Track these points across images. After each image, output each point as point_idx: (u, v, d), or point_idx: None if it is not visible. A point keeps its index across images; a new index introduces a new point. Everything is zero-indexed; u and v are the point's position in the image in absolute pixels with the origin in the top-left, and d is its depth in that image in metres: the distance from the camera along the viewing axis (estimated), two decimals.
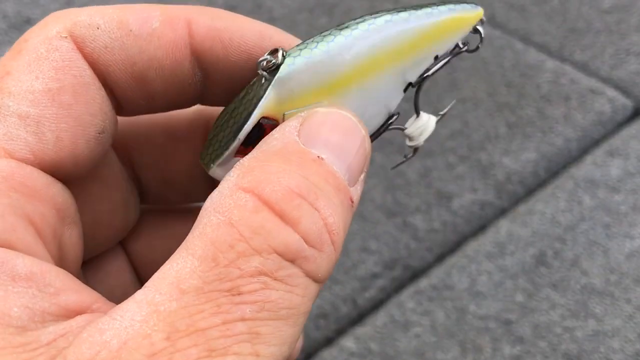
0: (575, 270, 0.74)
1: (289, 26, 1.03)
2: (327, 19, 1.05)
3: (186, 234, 0.33)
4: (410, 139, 0.31)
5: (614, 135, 0.89)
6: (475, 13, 0.30)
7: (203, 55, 0.28)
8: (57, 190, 0.26)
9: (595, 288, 0.73)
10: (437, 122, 0.31)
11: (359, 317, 0.73)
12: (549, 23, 1.05)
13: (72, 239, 0.27)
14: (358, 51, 0.27)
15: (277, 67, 0.26)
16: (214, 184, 0.34)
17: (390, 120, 0.29)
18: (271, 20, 1.04)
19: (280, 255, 0.23)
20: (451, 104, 0.33)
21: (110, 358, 0.21)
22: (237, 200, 0.23)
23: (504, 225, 0.78)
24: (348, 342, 0.70)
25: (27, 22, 1.04)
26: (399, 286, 0.75)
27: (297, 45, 0.27)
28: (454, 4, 0.29)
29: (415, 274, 0.76)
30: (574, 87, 0.94)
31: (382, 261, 0.76)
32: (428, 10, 0.28)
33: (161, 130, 0.33)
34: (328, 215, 0.24)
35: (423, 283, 0.74)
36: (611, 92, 0.93)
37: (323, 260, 0.24)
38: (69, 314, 0.23)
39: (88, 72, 0.27)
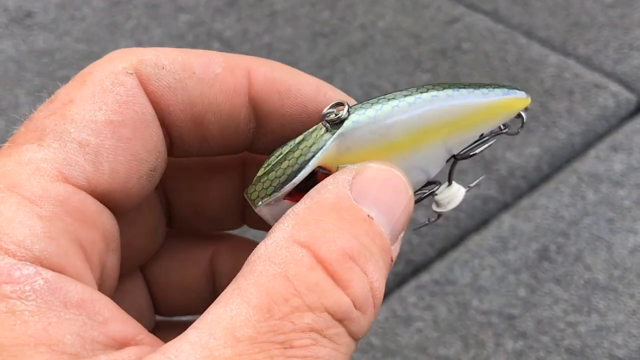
0: (578, 265, 0.74)
1: (291, 19, 1.03)
2: (329, 13, 1.04)
3: (204, 260, 0.34)
4: (438, 204, 0.32)
5: (617, 130, 0.88)
6: (524, 100, 0.31)
7: (260, 103, 0.29)
8: (106, 218, 0.26)
9: (598, 283, 0.72)
10: (466, 192, 0.33)
11: None
12: (553, 17, 1.04)
13: (112, 265, 0.28)
14: (416, 120, 0.28)
15: (341, 121, 0.27)
16: (244, 215, 0.34)
17: (430, 187, 0.31)
18: (273, 13, 1.04)
19: (331, 314, 0.24)
20: (481, 178, 0.36)
21: None
22: (294, 254, 0.24)
23: (506, 220, 0.78)
24: None
25: (28, 16, 1.03)
26: (400, 281, 0.74)
27: (361, 104, 0.28)
28: (507, 88, 0.31)
29: (417, 269, 0.75)
30: (577, 81, 0.93)
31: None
32: (485, 90, 0.30)
33: (198, 159, 0.33)
34: (375, 280, 0.25)
35: (425, 278, 0.73)
36: (615, 87, 0.92)
37: (365, 322, 0.25)
38: (116, 344, 0.24)
39: (149, 110, 0.27)
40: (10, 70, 0.95)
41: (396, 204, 0.27)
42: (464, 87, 0.29)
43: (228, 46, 0.99)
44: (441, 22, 1.03)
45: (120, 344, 0.24)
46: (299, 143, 0.28)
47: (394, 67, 0.96)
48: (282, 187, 0.28)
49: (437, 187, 0.31)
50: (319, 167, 0.28)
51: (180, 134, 0.29)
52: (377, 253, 0.25)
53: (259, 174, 0.29)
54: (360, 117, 0.28)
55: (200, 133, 0.29)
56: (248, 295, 0.23)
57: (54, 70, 0.95)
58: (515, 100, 0.31)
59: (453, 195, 0.32)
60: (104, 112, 0.26)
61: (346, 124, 0.27)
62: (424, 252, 0.76)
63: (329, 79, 0.94)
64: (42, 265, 0.23)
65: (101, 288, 0.27)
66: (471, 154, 0.31)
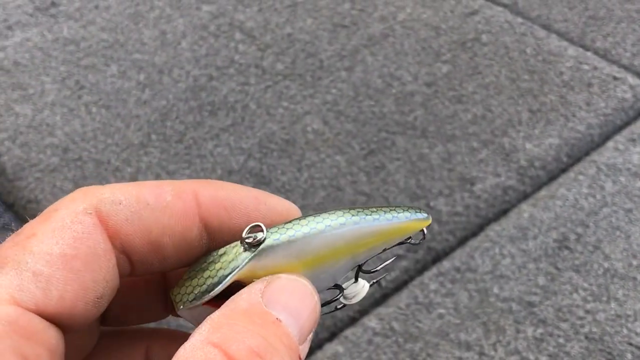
0: (597, 254, 0.75)
1: (312, 10, 1.04)
2: (349, 4, 1.05)
3: (139, 357, 0.37)
4: (345, 297, 0.36)
5: (635, 122, 0.89)
6: (424, 222, 0.35)
7: (209, 221, 0.33)
8: (52, 335, 0.30)
9: (617, 272, 0.73)
10: (370, 286, 0.36)
11: (383, 297, 0.74)
12: (571, 10, 1.05)
13: None
14: (325, 243, 0.32)
15: (259, 244, 0.32)
16: (169, 306, 0.38)
17: (338, 295, 0.35)
18: (294, 4, 1.05)
19: None
20: (385, 275, 0.40)
21: None
22: (207, 354, 0.27)
23: (526, 210, 0.79)
24: (372, 322, 0.71)
25: (53, 5, 1.05)
26: (422, 268, 0.76)
27: (277, 227, 0.32)
28: (413, 211, 0.35)
29: (438, 257, 0.76)
30: (595, 73, 0.94)
31: (405, 244, 0.76)
32: (390, 216, 0.34)
33: None
34: None
35: (446, 265, 0.74)
36: (633, 79, 0.93)
37: None
38: None
39: (102, 246, 0.31)
40: (37, 58, 0.97)
41: (303, 308, 0.30)
42: (372, 214, 0.33)
43: (250, 36, 1.00)
44: (461, 14, 1.04)
45: None
46: (220, 255, 0.32)
47: (414, 59, 0.97)
48: (202, 297, 0.32)
49: (341, 293, 0.35)
50: (236, 281, 0.32)
51: (140, 258, 0.32)
52: (283, 351, 0.28)
53: (184, 277, 0.33)
54: (275, 241, 0.32)
55: (159, 254, 0.32)
56: None
57: (79, 59, 0.97)
58: (416, 223, 0.35)
59: (358, 290, 0.36)
60: (59, 246, 0.30)
61: (262, 246, 0.31)
62: (445, 240, 0.77)
63: (349, 70, 0.95)
64: None
65: None
66: (374, 270, 0.35)
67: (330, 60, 0.97)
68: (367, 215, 0.34)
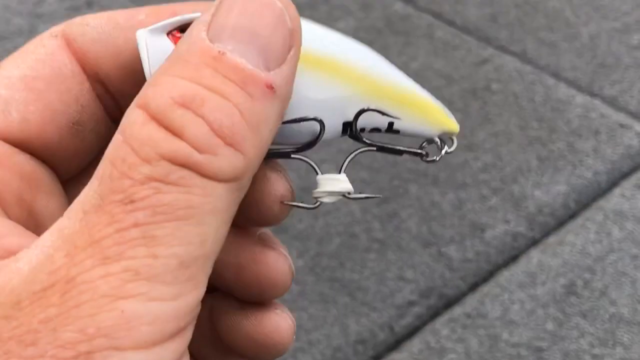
0: (604, 300, 0.77)
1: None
2: None
3: None
4: (318, 186, 0.29)
5: None
6: (451, 122, 0.29)
7: None
8: (22, 160, 0.28)
9: (623, 317, 0.76)
10: (349, 197, 0.29)
11: (396, 343, 0.76)
12: (579, 59, 1.08)
13: (51, 208, 0.29)
14: (331, 44, 0.27)
15: None
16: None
17: (313, 119, 0.27)
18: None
19: (169, 161, 0.23)
20: (376, 195, 0.31)
21: (21, 282, 0.23)
22: (130, 118, 0.24)
23: (535, 256, 0.82)
24: None
25: (89, 6, 1.09)
26: (434, 314, 0.78)
27: None
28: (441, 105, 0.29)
29: (450, 303, 0.79)
30: (603, 121, 0.97)
31: (418, 290, 0.79)
32: (413, 83, 0.28)
33: None
34: (214, 119, 0.23)
35: (457, 311, 0.77)
36: (639, 127, 0.96)
37: (222, 162, 0.23)
38: (8, 255, 0.25)
39: (69, 66, 0.28)
40: None
41: (261, 21, 0.24)
42: (402, 73, 0.28)
43: None
44: (471, 63, 1.07)
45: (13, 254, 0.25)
46: None
47: None
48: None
49: (317, 123, 0.27)
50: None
51: (115, 85, 0.29)
52: (226, 89, 0.24)
53: None
54: None
55: (135, 80, 0.28)
56: (97, 171, 0.24)
57: None
58: (439, 112, 0.28)
59: (334, 181, 0.29)
60: (19, 70, 0.28)
61: None
62: (456, 286, 0.80)
63: None
64: None
65: (38, 228, 0.28)
66: (369, 141, 0.28)
67: None
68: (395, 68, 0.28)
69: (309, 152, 0.28)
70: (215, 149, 0.23)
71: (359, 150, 0.29)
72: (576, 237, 0.84)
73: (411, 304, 0.78)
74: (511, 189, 0.89)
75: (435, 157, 0.29)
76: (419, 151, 0.29)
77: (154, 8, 0.29)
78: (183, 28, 0.26)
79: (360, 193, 0.29)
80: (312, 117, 0.27)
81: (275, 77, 0.24)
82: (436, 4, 1.19)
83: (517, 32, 1.13)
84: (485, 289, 0.79)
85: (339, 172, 0.28)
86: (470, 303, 0.78)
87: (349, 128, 0.28)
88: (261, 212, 0.29)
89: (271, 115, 0.24)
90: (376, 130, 0.28)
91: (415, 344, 0.75)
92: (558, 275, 0.80)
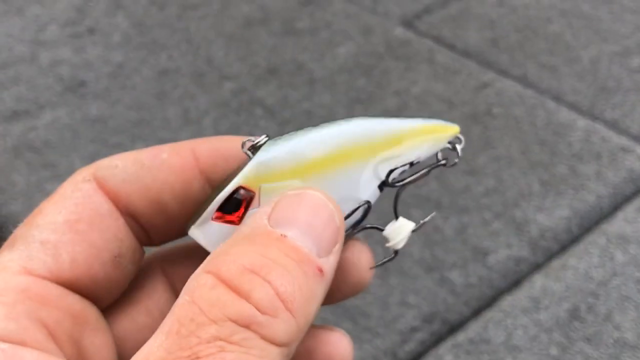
0: (608, 325, 0.77)
1: (329, 86, 1.08)
2: (365, 80, 1.09)
3: (156, 278, 0.36)
4: (388, 240, 0.33)
5: None
6: (450, 127, 0.33)
7: (210, 172, 0.33)
8: (73, 301, 0.30)
9: (627, 342, 0.75)
10: (414, 230, 0.34)
11: None
12: (580, 82, 1.08)
13: (96, 344, 0.31)
14: (334, 139, 0.30)
15: (259, 147, 0.31)
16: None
17: (360, 206, 0.32)
18: (312, 81, 1.09)
19: (235, 322, 0.26)
20: (431, 215, 0.36)
21: None
22: (200, 281, 0.27)
23: (538, 280, 0.81)
24: None
25: (82, 85, 1.10)
26: (437, 340, 0.78)
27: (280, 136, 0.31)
28: (434, 119, 0.32)
29: (453, 328, 0.79)
30: (605, 145, 0.97)
31: (421, 315, 0.79)
32: (402, 119, 0.31)
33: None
34: (280, 285, 0.26)
35: (461, 337, 0.77)
36: None
37: (279, 325, 0.26)
38: None
39: (105, 206, 0.31)
40: (66, 137, 1.01)
41: (314, 218, 0.29)
42: (385, 118, 0.31)
43: (270, 112, 1.04)
44: (472, 87, 1.08)
45: None
46: (230, 175, 0.31)
47: None
48: (208, 210, 0.31)
49: (366, 205, 0.32)
50: (242, 187, 0.30)
51: (147, 220, 0.33)
52: (289, 264, 0.27)
53: (196, 209, 0.32)
54: (277, 141, 0.31)
55: (163, 213, 0.32)
56: (163, 327, 0.26)
57: (107, 137, 1.01)
58: (439, 126, 0.32)
59: (399, 229, 0.33)
60: (62, 214, 0.31)
61: (263, 147, 0.30)
62: (459, 311, 0.80)
63: None
64: (2, 340, 0.27)
65: None
66: (402, 182, 0.32)
67: None
68: (380, 117, 0.31)
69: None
70: (276, 311, 0.26)
71: (399, 192, 0.32)
72: (579, 261, 0.83)
73: (414, 329, 0.78)
74: (513, 214, 0.89)
75: (455, 160, 0.33)
76: (442, 162, 0.33)
77: (174, 146, 0.33)
78: (220, 209, 0.30)
79: (419, 222, 0.33)
80: (360, 203, 0.31)
81: (324, 264, 0.28)
82: (436, 28, 1.19)
83: (517, 56, 1.14)
84: (489, 314, 0.79)
85: (396, 219, 0.32)
86: (473, 328, 0.78)
87: (383, 186, 0.31)
88: (357, 284, 0.33)
89: (319, 293, 0.28)
90: (402, 172, 0.32)
91: None
92: (561, 299, 0.79)
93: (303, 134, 0.31)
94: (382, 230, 0.33)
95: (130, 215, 0.32)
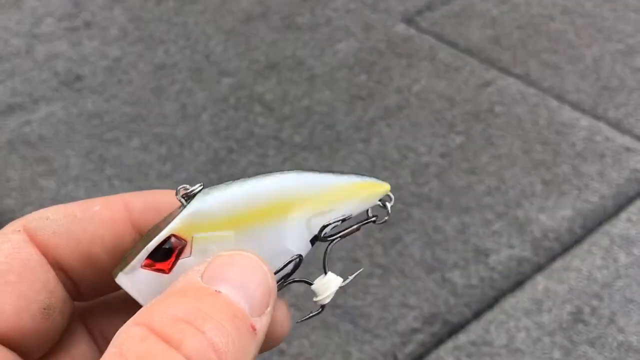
0: (612, 328, 0.76)
1: (329, 83, 1.07)
2: (366, 76, 1.08)
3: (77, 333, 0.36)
4: (316, 294, 0.33)
5: None
6: (382, 186, 0.33)
7: (142, 225, 0.32)
8: (1, 355, 0.29)
9: (632, 346, 0.74)
10: (342, 285, 0.33)
11: None
12: (583, 81, 1.07)
13: None
14: (268, 192, 0.30)
15: (194, 195, 0.30)
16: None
17: (291, 260, 0.32)
18: (312, 77, 1.08)
19: None
20: (358, 272, 0.36)
21: None
22: (129, 333, 0.26)
23: (541, 282, 0.80)
24: None
25: (78, 79, 1.08)
26: (438, 341, 0.77)
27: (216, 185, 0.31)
28: (370, 177, 0.32)
29: (454, 330, 0.77)
30: (608, 144, 0.96)
31: (421, 316, 0.78)
32: (340, 175, 0.32)
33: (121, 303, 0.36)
34: (214, 335, 0.26)
35: (462, 339, 0.75)
36: None
37: None
38: None
39: (35, 257, 0.31)
40: (61, 132, 1.00)
41: (248, 278, 0.28)
42: (321, 173, 0.31)
43: (269, 108, 1.03)
44: (474, 85, 1.06)
45: None
46: (162, 221, 0.31)
47: (429, 130, 0.99)
48: (137, 255, 0.30)
49: (297, 259, 0.32)
50: (174, 236, 0.30)
51: (77, 274, 0.32)
52: (223, 317, 0.27)
53: (125, 255, 0.31)
54: (212, 190, 0.30)
55: (96, 268, 0.32)
56: None
57: (103, 133, 1.00)
58: (371, 185, 0.32)
59: (327, 284, 0.33)
60: None
61: (197, 196, 0.30)
62: (460, 312, 0.78)
63: (366, 141, 0.98)
64: None
65: None
66: (332, 237, 0.32)
67: (347, 131, 1.00)
68: (315, 173, 0.31)
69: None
70: None
71: (329, 247, 0.32)
72: (582, 262, 0.82)
73: (415, 331, 0.77)
74: (515, 213, 0.88)
75: (385, 217, 0.32)
76: (372, 219, 0.33)
77: (106, 199, 0.32)
78: (150, 256, 0.30)
79: (347, 277, 0.33)
80: (291, 258, 0.31)
81: (257, 323, 0.28)
82: (438, 25, 1.18)
83: (520, 54, 1.12)
84: (490, 315, 0.78)
85: (325, 273, 0.32)
86: (475, 330, 0.76)
87: (315, 239, 0.31)
88: (276, 339, 0.32)
89: (252, 351, 0.28)
90: (334, 227, 0.32)
91: None
92: (564, 302, 0.78)
93: (238, 184, 0.30)
94: (310, 284, 0.33)
95: (60, 269, 0.32)
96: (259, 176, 0.31)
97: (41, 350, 0.31)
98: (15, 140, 0.98)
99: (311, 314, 0.34)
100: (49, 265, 0.31)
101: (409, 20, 1.19)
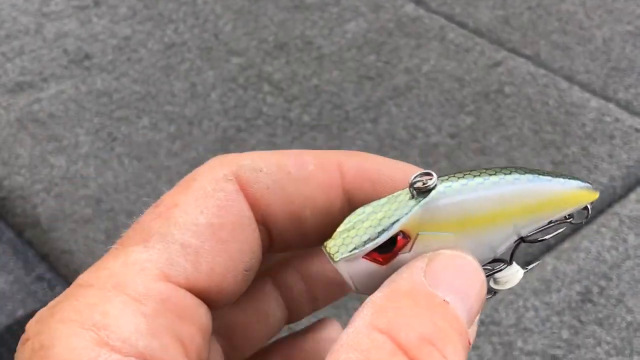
0: (620, 308, 0.76)
1: (338, 63, 1.07)
2: (374, 56, 1.08)
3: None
4: (496, 282, 0.32)
5: None
6: (593, 194, 0.32)
7: (353, 193, 0.31)
8: (203, 313, 0.28)
9: None
10: (525, 272, 0.33)
11: None
12: (593, 62, 1.07)
13: (206, 356, 0.29)
14: (498, 199, 0.30)
15: (428, 190, 0.29)
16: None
17: (496, 265, 0.31)
18: (321, 57, 1.08)
19: None
20: (537, 263, 0.36)
21: None
22: (375, 341, 0.25)
23: (550, 262, 0.80)
24: None
25: (87, 58, 1.08)
26: None
27: (447, 176, 0.29)
28: (581, 180, 0.32)
29: None
30: (618, 125, 0.96)
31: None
32: (562, 180, 0.31)
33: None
34: None
35: None
36: None
37: None
38: None
39: (247, 214, 0.29)
40: (71, 110, 1.00)
41: (470, 288, 0.28)
42: (543, 174, 0.31)
43: (278, 88, 1.03)
44: (484, 65, 1.06)
45: None
46: (382, 205, 0.30)
47: (438, 110, 0.99)
48: (363, 246, 0.29)
49: (504, 265, 0.32)
50: (401, 231, 0.29)
51: (280, 232, 0.31)
52: (454, 337, 0.26)
53: (340, 229, 0.30)
54: (447, 189, 0.29)
55: (299, 228, 0.31)
56: None
57: (112, 111, 1.00)
58: (587, 194, 0.32)
59: (512, 275, 0.33)
60: (205, 216, 0.28)
61: (432, 193, 0.29)
62: None
63: (374, 121, 0.97)
64: (143, 358, 0.26)
65: None
66: (539, 239, 0.32)
67: (356, 111, 0.99)
68: (540, 174, 0.30)
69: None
70: None
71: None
72: (591, 243, 0.82)
73: None
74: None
75: (583, 220, 0.32)
76: (569, 220, 0.32)
77: (321, 156, 0.31)
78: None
79: (526, 268, 0.33)
80: (497, 268, 0.31)
81: (471, 336, 0.27)
82: (448, 5, 1.17)
83: (530, 34, 1.12)
84: (499, 295, 0.78)
85: (510, 264, 0.32)
86: (483, 310, 0.76)
87: (521, 240, 0.31)
88: None
89: None
90: (540, 235, 0.32)
91: None
92: (573, 282, 0.78)
93: (474, 186, 0.29)
94: (493, 272, 0.32)
95: (264, 224, 0.30)
96: (488, 175, 0.30)
97: (230, 303, 0.31)
98: (24, 118, 0.98)
99: (488, 296, 0.34)
100: (256, 224, 0.30)
101: (418, 0, 1.19)
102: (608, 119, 0.97)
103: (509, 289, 0.33)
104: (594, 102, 0.99)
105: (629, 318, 0.75)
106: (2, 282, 0.83)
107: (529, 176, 0.30)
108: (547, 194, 0.31)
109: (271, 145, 0.95)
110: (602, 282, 0.78)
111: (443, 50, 1.09)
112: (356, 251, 0.29)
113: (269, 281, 0.34)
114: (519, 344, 0.73)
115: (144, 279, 0.27)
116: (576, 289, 0.77)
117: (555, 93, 1.01)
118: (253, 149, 0.94)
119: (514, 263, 0.32)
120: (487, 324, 0.75)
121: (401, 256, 0.29)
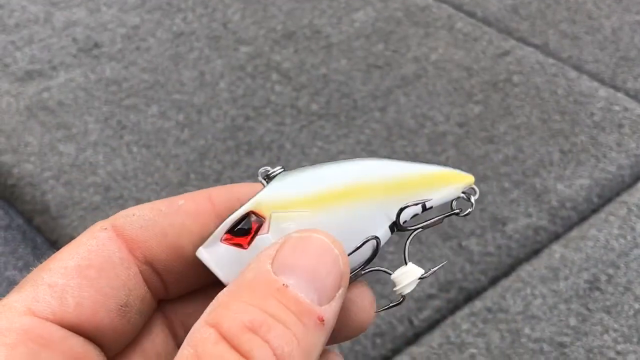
0: (628, 296, 0.76)
1: (346, 51, 1.07)
2: (383, 45, 1.08)
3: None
4: (395, 284, 0.33)
5: None
6: (465, 177, 0.33)
7: (226, 215, 0.33)
8: (76, 343, 0.30)
9: None
10: (423, 277, 0.33)
11: (415, 336, 0.75)
12: (602, 51, 1.06)
13: None
14: (349, 173, 0.31)
15: (274, 176, 0.31)
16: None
17: (367, 240, 0.31)
18: (329, 46, 1.08)
19: None
20: (441, 265, 0.36)
21: None
22: (203, 334, 0.27)
23: (557, 250, 0.80)
24: None
25: (96, 46, 1.08)
26: (454, 307, 0.77)
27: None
28: (458, 170, 0.33)
29: (470, 296, 0.78)
30: (626, 114, 0.96)
31: (437, 283, 0.78)
32: (418, 163, 0.32)
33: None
34: (277, 346, 0.27)
35: (478, 305, 0.76)
36: None
37: None
38: None
39: (118, 254, 0.32)
40: (80, 98, 1.00)
41: (319, 264, 0.29)
42: (402, 161, 0.32)
43: (286, 77, 1.03)
44: (492, 54, 1.06)
45: None
46: (240, 206, 0.32)
47: (446, 99, 0.99)
48: (217, 231, 0.31)
49: (373, 239, 0.32)
50: (252, 212, 0.31)
51: (167, 269, 0.33)
52: (289, 319, 0.27)
53: (205, 238, 0.32)
54: (292, 172, 0.31)
55: (182, 259, 0.33)
56: None
57: (121, 99, 1.00)
58: (454, 175, 0.32)
59: (408, 274, 0.33)
60: (74, 260, 0.31)
61: (277, 176, 0.31)
62: (476, 279, 0.79)
63: (382, 110, 0.98)
64: None
65: None
66: (414, 226, 0.32)
67: (364, 100, 0.99)
68: (396, 160, 0.32)
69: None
70: None
71: (410, 238, 0.33)
72: (599, 231, 0.82)
73: (431, 297, 0.77)
74: (533, 182, 0.87)
75: (468, 210, 0.33)
76: (456, 211, 0.33)
77: (190, 194, 0.33)
78: (229, 231, 0.31)
79: (429, 270, 0.33)
80: (368, 238, 0.31)
81: (326, 311, 0.28)
82: None
83: (538, 24, 1.12)
84: (507, 283, 0.78)
85: (405, 264, 0.33)
86: (491, 297, 0.76)
87: (394, 227, 0.31)
88: (358, 327, 0.33)
89: (319, 342, 0.28)
90: (414, 216, 0.32)
91: (435, 338, 0.73)
92: (581, 270, 0.78)
93: (318, 167, 0.31)
94: (390, 274, 0.33)
95: (147, 262, 0.33)
96: (339, 161, 0.31)
97: (119, 345, 0.32)
98: (34, 107, 0.99)
99: (391, 304, 0.34)
100: (132, 262, 0.32)
101: None
102: (617, 108, 0.97)
103: (412, 289, 0.33)
104: (603, 92, 0.99)
105: (636, 306, 0.75)
106: (11, 267, 0.84)
107: (384, 160, 0.32)
108: (406, 173, 0.32)
109: (279, 133, 0.95)
110: (610, 270, 0.78)
111: (451, 39, 1.09)
112: (213, 235, 0.31)
113: (161, 324, 0.35)
114: (527, 331, 0.73)
115: (8, 315, 0.29)
116: (584, 277, 0.77)
117: (564, 82, 1.01)
118: (261, 137, 0.94)
119: (410, 263, 0.33)
120: (494, 312, 0.75)
121: (261, 237, 0.31)
